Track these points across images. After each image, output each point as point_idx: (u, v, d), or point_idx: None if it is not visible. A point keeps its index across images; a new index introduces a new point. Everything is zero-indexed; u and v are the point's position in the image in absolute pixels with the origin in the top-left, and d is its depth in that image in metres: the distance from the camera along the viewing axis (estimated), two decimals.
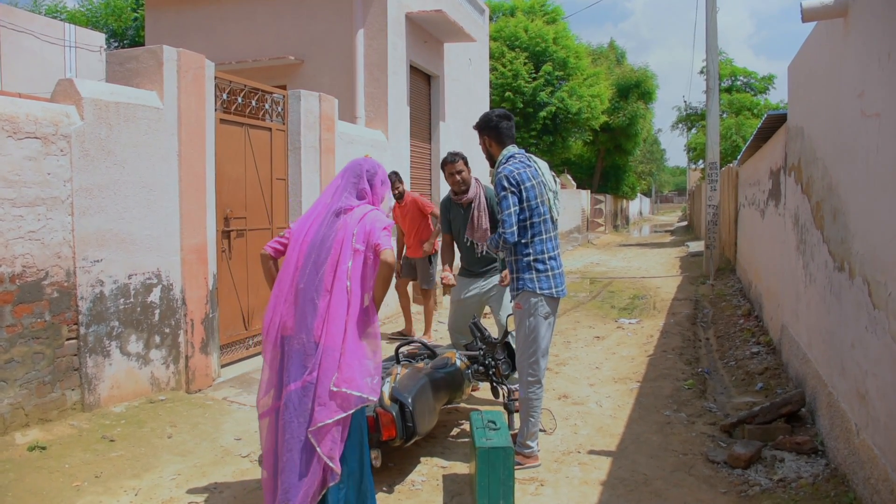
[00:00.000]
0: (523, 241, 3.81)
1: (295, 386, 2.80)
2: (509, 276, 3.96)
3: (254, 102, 6.01)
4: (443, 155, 10.72)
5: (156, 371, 4.86)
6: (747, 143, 8.72)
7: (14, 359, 3.87)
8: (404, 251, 7.29)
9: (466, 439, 4.35)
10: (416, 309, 8.04)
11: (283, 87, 7.18)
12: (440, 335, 7.53)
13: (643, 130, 30.52)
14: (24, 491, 3.37)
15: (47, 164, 4.05)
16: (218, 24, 9.41)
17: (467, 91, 11.88)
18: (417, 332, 7.47)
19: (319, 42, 8.89)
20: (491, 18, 20.46)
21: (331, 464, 2.76)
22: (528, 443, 3.92)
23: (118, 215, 4.54)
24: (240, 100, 5.83)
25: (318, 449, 2.76)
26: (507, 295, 4.63)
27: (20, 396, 3.91)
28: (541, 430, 4.21)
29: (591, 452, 4.16)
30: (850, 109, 3.52)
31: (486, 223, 4.93)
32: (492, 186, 4.35)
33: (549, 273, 3.83)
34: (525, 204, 3.78)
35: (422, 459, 4.03)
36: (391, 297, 7.40)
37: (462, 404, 4.87)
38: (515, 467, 3.52)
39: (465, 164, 4.98)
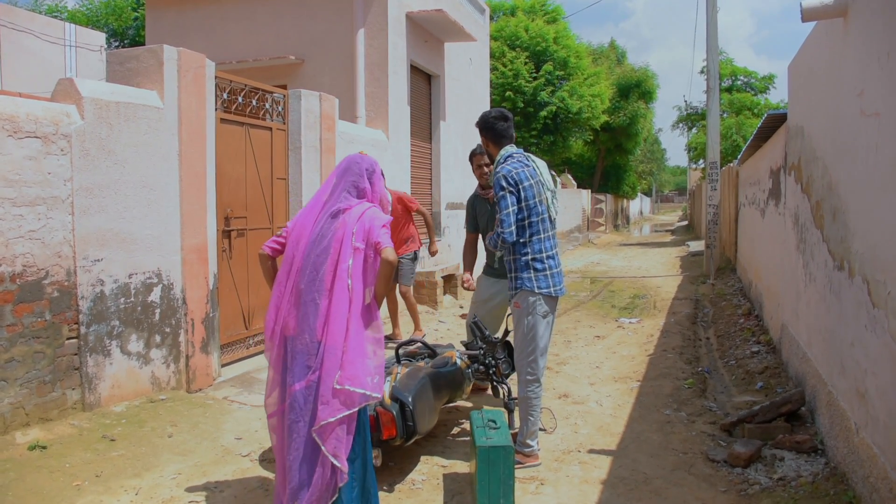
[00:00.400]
0: (521, 240, 3.82)
1: (299, 386, 2.80)
2: (508, 275, 3.96)
3: (254, 102, 6.01)
4: (443, 155, 10.75)
5: (156, 370, 4.87)
6: (747, 143, 8.73)
7: (14, 358, 3.87)
8: None
9: (467, 438, 4.35)
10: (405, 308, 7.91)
11: (284, 87, 7.18)
12: (440, 334, 7.52)
13: (644, 130, 30.54)
14: (25, 490, 3.38)
15: (48, 163, 4.06)
16: (218, 24, 9.41)
17: (468, 91, 11.88)
18: (405, 334, 7.28)
19: (320, 42, 8.90)
20: (491, 18, 20.49)
21: (336, 462, 2.76)
22: (529, 442, 3.93)
23: (119, 215, 4.54)
24: (240, 99, 5.83)
25: (322, 447, 2.76)
26: None
27: (21, 396, 3.91)
28: (541, 430, 4.22)
29: (592, 451, 4.16)
30: (850, 109, 3.52)
31: None
32: None
33: (548, 272, 3.84)
34: (523, 203, 3.79)
35: (422, 458, 4.03)
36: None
37: (462, 403, 4.88)
38: (516, 466, 3.52)
39: None
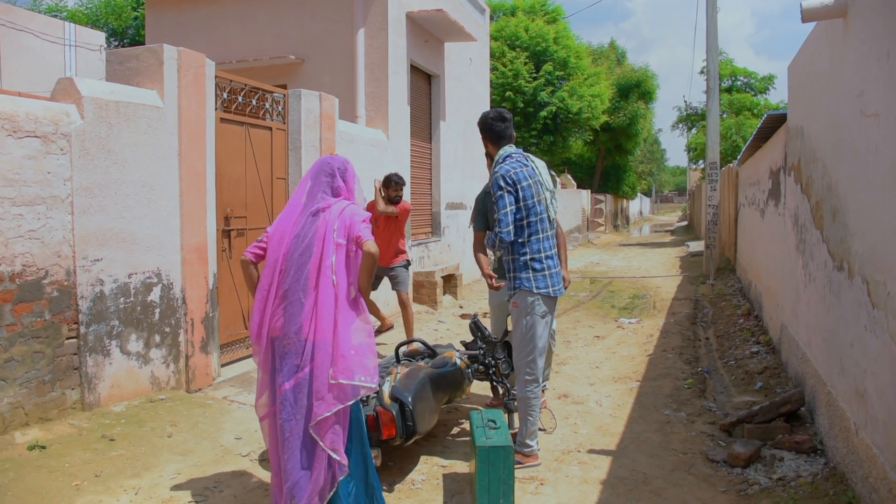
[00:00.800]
0: (520, 240, 3.82)
1: (288, 385, 2.84)
2: (506, 274, 3.96)
3: (254, 102, 6.01)
4: (443, 155, 10.74)
5: (156, 370, 4.87)
6: (747, 143, 8.73)
7: (14, 358, 3.87)
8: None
9: (466, 438, 4.35)
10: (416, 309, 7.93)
11: (284, 87, 7.18)
12: (440, 334, 7.53)
13: (643, 130, 30.51)
14: (24, 490, 3.38)
15: (47, 162, 4.05)
16: (218, 24, 9.41)
17: (468, 91, 11.88)
18: (400, 335, 7.13)
19: (320, 41, 8.89)
20: (491, 18, 20.47)
21: (335, 455, 2.80)
22: (528, 442, 3.93)
23: (118, 214, 4.54)
24: (240, 99, 5.83)
25: (320, 443, 2.79)
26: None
27: (20, 395, 3.91)
28: (541, 430, 4.22)
29: (591, 451, 4.16)
30: (850, 109, 3.52)
31: None
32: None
33: (546, 272, 3.84)
34: (521, 203, 3.79)
35: (422, 458, 4.03)
36: (392, 298, 7.39)
37: (462, 403, 4.88)
38: (515, 466, 3.52)
39: None
